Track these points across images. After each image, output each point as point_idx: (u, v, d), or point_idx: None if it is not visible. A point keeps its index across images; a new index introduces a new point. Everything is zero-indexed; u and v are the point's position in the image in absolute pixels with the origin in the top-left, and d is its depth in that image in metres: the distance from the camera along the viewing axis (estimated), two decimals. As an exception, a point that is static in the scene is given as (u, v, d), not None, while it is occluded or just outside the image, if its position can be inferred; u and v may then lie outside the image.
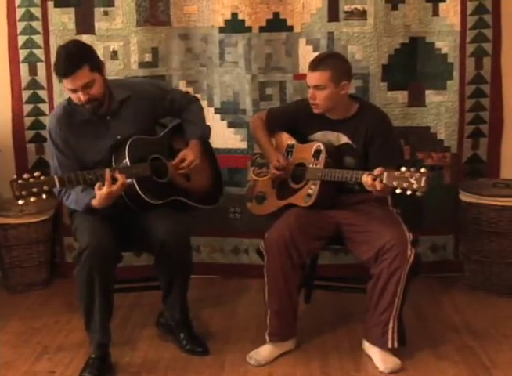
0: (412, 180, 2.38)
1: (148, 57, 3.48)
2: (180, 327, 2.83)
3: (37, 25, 3.47)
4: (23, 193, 2.39)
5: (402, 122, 3.44)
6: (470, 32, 3.38)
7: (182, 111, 2.94)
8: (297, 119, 2.91)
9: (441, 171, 3.50)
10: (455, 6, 3.35)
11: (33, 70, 3.52)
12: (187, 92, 3.17)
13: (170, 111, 2.94)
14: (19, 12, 3.47)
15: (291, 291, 2.72)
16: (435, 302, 3.28)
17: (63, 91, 3.50)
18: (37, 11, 3.46)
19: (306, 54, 3.41)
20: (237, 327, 3.04)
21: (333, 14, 3.39)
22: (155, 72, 3.48)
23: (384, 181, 2.45)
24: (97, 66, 2.62)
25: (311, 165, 2.80)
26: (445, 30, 3.38)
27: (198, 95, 3.40)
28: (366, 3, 3.35)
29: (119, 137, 2.72)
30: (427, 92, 3.45)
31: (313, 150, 2.80)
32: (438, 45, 3.41)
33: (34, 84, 3.54)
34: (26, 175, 2.41)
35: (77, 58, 2.54)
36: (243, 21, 3.42)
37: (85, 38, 3.44)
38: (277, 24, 3.42)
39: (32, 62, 3.51)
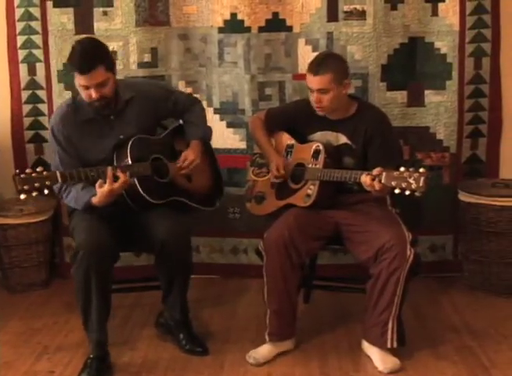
0: (411, 180, 2.38)
1: (147, 57, 3.48)
2: (179, 327, 2.83)
3: (36, 25, 3.47)
4: (26, 187, 2.37)
5: (401, 122, 3.44)
6: (469, 32, 3.38)
7: (185, 112, 2.95)
8: (296, 119, 2.91)
9: (440, 171, 3.50)
10: (454, 6, 3.36)
11: (32, 71, 3.52)
12: (190, 94, 3.19)
13: (172, 112, 2.95)
14: (19, 12, 3.47)
15: (290, 291, 2.72)
16: (434, 302, 3.28)
17: (62, 91, 3.52)
18: (36, 11, 3.46)
19: (305, 54, 3.41)
20: (237, 327, 3.04)
21: (332, 14, 3.39)
22: (154, 72, 3.49)
23: (383, 181, 2.45)
24: (111, 65, 2.64)
25: (310, 165, 2.80)
26: (445, 30, 3.38)
27: (197, 96, 3.42)
28: (365, 3, 3.35)
29: (122, 137, 2.72)
30: (427, 92, 3.45)
31: (312, 150, 2.80)
32: (437, 45, 3.41)
33: (33, 85, 3.54)
34: (28, 170, 2.40)
35: (95, 56, 2.57)
36: (242, 21, 3.42)
37: (84, 38, 3.45)
38: (276, 24, 3.42)
39: (31, 62, 3.51)
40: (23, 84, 3.54)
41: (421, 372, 2.63)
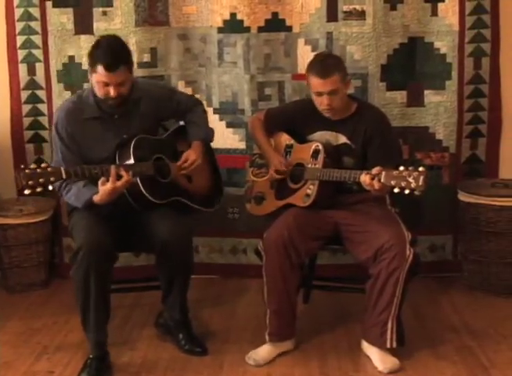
0: (410, 179, 2.38)
1: (147, 57, 3.48)
2: (179, 328, 2.83)
3: (35, 25, 3.47)
4: (30, 182, 2.36)
5: (400, 122, 3.44)
6: (468, 32, 3.38)
7: (187, 113, 2.96)
8: (295, 119, 2.91)
9: (439, 171, 3.50)
10: (453, 6, 3.36)
11: (31, 71, 3.52)
12: (192, 95, 3.19)
13: (175, 113, 2.96)
14: (18, 12, 3.47)
15: (290, 291, 2.72)
16: (434, 302, 3.28)
17: (62, 91, 3.52)
18: (35, 11, 3.46)
19: (305, 54, 3.41)
20: (236, 327, 3.04)
21: (331, 14, 3.39)
22: (154, 72, 3.48)
23: (382, 180, 2.45)
24: (132, 66, 2.68)
25: (309, 165, 2.80)
26: (444, 30, 3.38)
27: (197, 96, 3.42)
28: (365, 3, 3.35)
29: (125, 136, 2.72)
30: (426, 92, 3.45)
31: (312, 150, 2.80)
32: (437, 45, 3.41)
33: (32, 85, 3.54)
34: (33, 165, 2.39)
35: (122, 56, 2.61)
36: (241, 21, 3.42)
37: (84, 39, 3.46)
38: (276, 24, 3.42)
39: (31, 62, 3.51)
40: (22, 85, 3.54)
41: (421, 372, 2.63)
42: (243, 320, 3.11)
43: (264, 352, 2.73)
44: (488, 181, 3.42)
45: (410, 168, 2.41)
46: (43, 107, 3.56)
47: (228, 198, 3.40)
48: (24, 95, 3.55)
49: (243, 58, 3.45)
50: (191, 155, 2.84)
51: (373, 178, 2.49)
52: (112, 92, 2.60)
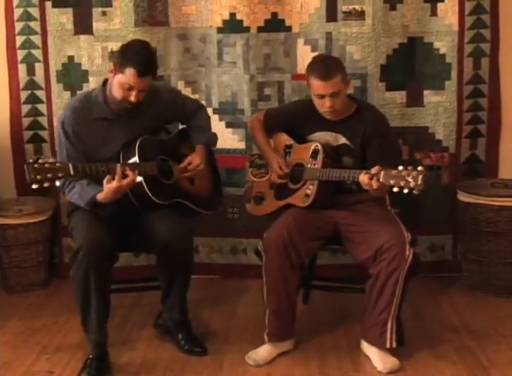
0: (409, 178, 2.38)
1: (146, 57, 3.48)
2: (178, 328, 2.83)
3: (35, 25, 3.47)
4: (38, 177, 2.35)
5: (400, 122, 3.44)
6: (468, 32, 3.38)
7: (191, 117, 2.97)
8: (294, 120, 2.91)
9: (439, 171, 3.50)
10: (453, 6, 3.36)
11: (31, 71, 3.52)
12: (196, 99, 3.19)
13: (180, 116, 2.98)
14: (17, 12, 3.46)
15: (290, 291, 2.72)
16: (433, 302, 3.28)
17: (61, 91, 3.52)
18: (35, 11, 3.45)
19: (304, 54, 3.41)
20: (236, 327, 3.04)
21: (331, 14, 3.39)
22: (153, 72, 3.49)
23: (381, 179, 2.45)
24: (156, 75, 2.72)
25: (309, 165, 2.80)
26: (444, 30, 3.38)
27: (196, 96, 3.43)
28: (365, 3, 3.36)
29: (131, 136, 2.73)
30: (426, 92, 3.45)
31: (311, 150, 2.80)
32: (437, 45, 3.41)
33: (32, 85, 3.53)
34: (41, 160, 2.39)
35: (153, 63, 2.67)
36: (241, 21, 3.42)
37: (83, 39, 3.46)
38: (275, 24, 3.42)
39: (30, 62, 3.51)
40: (22, 85, 3.54)
41: (420, 372, 2.63)
42: (243, 320, 3.11)
43: (263, 352, 2.73)
44: (488, 181, 3.42)
45: (409, 168, 2.41)
46: (42, 107, 3.56)
47: (228, 198, 3.40)
48: (24, 95, 3.55)
49: (242, 58, 3.45)
50: (195, 159, 2.84)
51: (371, 178, 2.49)
52: (133, 96, 2.61)
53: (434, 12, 3.38)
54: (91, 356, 2.64)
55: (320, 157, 2.76)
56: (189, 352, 2.79)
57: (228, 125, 3.55)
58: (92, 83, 3.48)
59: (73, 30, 3.47)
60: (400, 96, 3.45)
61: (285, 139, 2.95)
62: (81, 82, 3.50)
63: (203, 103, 3.40)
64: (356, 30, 3.39)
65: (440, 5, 3.37)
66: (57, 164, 2.41)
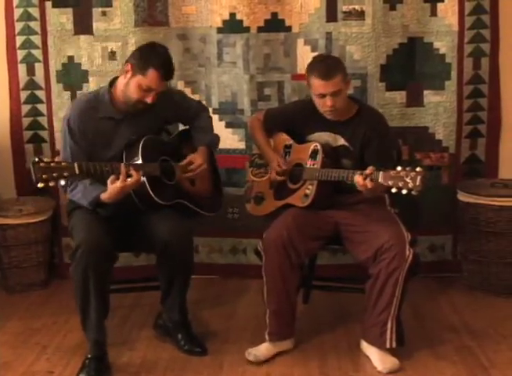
0: (408, 179, 2.39)
1: (146, 57, 3.48)
2: (178, 328, 2.83)
3: (35, 25, 3.47)
4: (44, 176, 2.35)
5: (400, 122, 3.44)
6: (468, 32, 3.38)
7: (194, 118, 2.98)
8: (294, 120, 2.91)
9: (439, 172, 3.50)
10: (453, 6, 3.36)
11: (31, 71, 3.52)
12: (200, 101, 3.20)
13: (184, 117, 2.99)
14: (17, 12, 3.47)
15: (289, 291, 2.72)
16: (433, 302, 3.28)
17: (61, 91, 3.52)
18: (35, 11, 3.46)
19: (304, 54, 3.41)
20: (236, 327, 3.04)
21: (331, 14, 3.39)
22: (153, 72, 3.48)
23: (380, 180, 2.46)
24: None
25: (308, 165, 2.80)
26: (443, 30, 3.38)
27: (196, 96, 3.43)
28: (364, 3, 3.35)
29: (134, 136, 2.73)
30: (426, 92, 3.45)
31: (310, 151, 2.80)
32: (436, 45, 3.41)
33: (31, 85, 3.53)
34: (47, 159, 2.40)
35: (173, 67, 2.70)
36: (241, 21, 3.42)
37: (83, 39, 3.46)
38: (275, 24, 3.42)
39: (30, 62, 3.51)
40: (22, 85, 3.54)
41: (420, 372, 2.63)
42: (243, 320, 3.11)
43: (264, 348, 2.73)
44: (488, 181, 3.42)
45: (408, 168, 2.42)
46: (42, 107, 3.56)
47: (228, 198, 3.40)
48: (23, 95, 3.55)
49: (242, 58, 3.45)
50: (197, 159, 2.85)
51: (365, 179, 2.50)
52: (150, 99, 2.63)
53: (434, 12, 3.38)
54: (89, 356, 2.64)
55: (319, 157, 2.76)
56: (189, 352, 2.79)
57: (228, 125, 3.55)
58: (92, 83, 3.48)
59: (73, 30, 3.47)
60: (400, 96, 3.45)
61: (285, 138, 2.95)
62: (80, 82, 3.50)
63: (203, 103, 3.40)
64: (356, 30, 3.38)
65: (440, 5, 3.37)
66: (63, 164, 2.42)
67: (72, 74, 3.51)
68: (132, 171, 2.55)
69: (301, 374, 2.64)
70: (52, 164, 2.38)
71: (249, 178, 3.08)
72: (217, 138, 3.03)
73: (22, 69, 3.52)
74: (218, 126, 3.49)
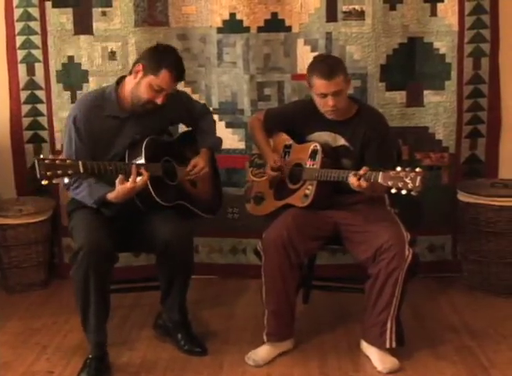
0: (408, 180, 2.39)
1: (146, 57, 3.48)
2: (178, 328, 2.83)
3: (35, 25, 3.47)
4: (49, 173, 2.35)
5: (400, 122, 3.44)
6: (468, 32, 3.38)
7: (198, 120, 2.99)
8: (294, 120, 2.91)
9: (439, 172, 3.50)
10: (453, 6, 3.36)
11: (31, 71, 3.52)
12: (204, 104, 3.20)
13: (188, 119, 3.00)
14: (17, 12, 3.47)
15: (289, 291, 2.72)
16: (433, 302, 3.28)
17: (61, 91, 3.52)
18: (35, 11, 3.46)
19: (304, 54, 3.42)
20: (236, 328, 3.04)
21: (331, 14, 3.39)
22: (153, 72, 3.48)
23: (380, 180, 2.46)
24: None
25: (308, 165, 2.80)
26: (443, 30, 3.38)
27: (196, 96, 3.42)
28: (364, 3, 3.35)
29: (137, 136, 2.73)
30: (426, 92, 3.45)
31: (310, 151, 2.80)
32: (436, 45, 3.41)
33: (31, 85, 3.53)
34: (52, 156, 2.40)
35: (184, 71, 2.72)
36: (241, 21, 3.42)
37: (83, 39, 3.46)
38: (275, 24, 3.42)
39: (30, 62, 3.51)
40: (22, 85, 3.54)
41: (420, 372, 2.63)
42: (243, 320, 3.11)
43: (263, 352, 2.73)
44: (488, 181, 3.42)
45: (407, 169, 2.42)
46: (42, 107, 3.56)
47: (228, 198, 3.40)
48: (23, 95, 3.55)
49: (242, 58, 3.45)
50: (199, 162, 2.85)
51: (359, 179, 2.50)
52: (160, 99, 2.64)
53: (433, 13, 3.38)
54: (90, 356, 2.64)
55: (319, 157, 2.76)
56: (189, 352, 2.79)
57: (228, 125, 3.55)
58: (92, 83, 3.48)
59: (73, 30, 3.47)
60: (400, 96, 3.45)
61: (284, 138, 2.95)
62: (80, 82, 3.50)
63: (203, 102, 3.40)
64: (356, 30, 3.38)
65: (440, 5, 3.37)
66: (67, 161, 2.41)
67: (72, 74, 3.51)
68: (142, 171, 2.55)
69: (301, 374, 2.64)
70: (56, 162, 2.38)
71: (249, 178, 3.08)
72: (219, 140, 3.04)
73: (22, 69, 3.52)
74: (218, 126, 3.47)
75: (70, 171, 2.40)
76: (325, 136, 2.82)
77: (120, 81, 2.76)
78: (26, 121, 3.57)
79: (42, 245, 3.52)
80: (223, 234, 3.63)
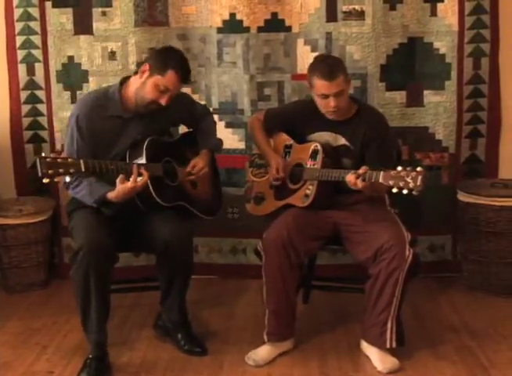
0: (409, 179, 2.39)
1: (146, 58, 3.49)
2: (178, 328, 2.83)
3: (35, 25, 3.47)
4: (50, 171, 2.35)
5: (400, 122, 3.44)
6: (468, 32, 3.38)
7: (199, 122, 2.99)
8: (294, 120, 2.91)
9: (439, 172, 3.50)
10: (453, 6, 3.36)
11: (31, 71, 3.52)
12: (205, 105, 3.21)
13: (190, 120, 3.00)
14: (17, 12, 3.47)
15: (289, 291, 2.72)
16: (433, 302, 3.28)
17: (61, 91, 3.52)
18: (35, 11, 3.45)
19: (304, 54, 3.42)
20: (236, 328, 3.04)
21: (331, 14, 3.39)
22: (153, 72, 3.48)
23: (381, 180, 2.46)
24: None
25: (308, 165, 2.80)
26: (443, 30, 3.38)
27: (196, 96, 3.42)
28: (364, 3, 3.35)
29: (139, 136, 2.73)
30: (426, 92, 3.45)
31: (310, 151, 2.80)
32: (436, 45, 3.41)
33: (31, 85, 3.53)
34: (53, 155, 2.41)
35: (190, 73, 2.73)
36: (241, 21, 3.42)
37: (83, 39, 3.46)
38: (275, 24, 3.42)
39: (30, 62, 3.51)
40: (22, 85, 3.54)
41: (420, 372, 2.63)
42: (243, 320, 3.11)
43: (263, 352, 2.73)
44: (488, 181, 3.42)
45: (408, 168, 2.42)
46: (42, 107, 3.56)
47: (228, 198, 3.40)
48: (23, 95, 3.55)
49: (242, 58, 3.45)
50: (199, 163, 2.85)
51: (357, 178, 2.50)
52: (165, 100, 2.64)
53: (433, 12, 3.38)
54: (90, 356, 2.64)
55: (320, 157, 2.76)
56: (188, 352, 2.79)
57: (228, 125, 3.55)
58: (92, 83, 3.48)
59: (73, 30, 3.47)
60: (400, 96, 3.45)
61: (285, 138, 2.95)
62: (80, 82, 3.50)
63: (203, 102, 3.40)
64: (356, 30, 3.39)
65: (440, 5, 3.37)
66: (69, 160, 2.41)
67: (72, 74, 3.51)
68: (142, 170, 2.55)
69: (301, 374, 2.64)
70: (58, 160, 2.38)
71: (249, 179, 3.08)
72: (220, 142, 3.04)
73: (22, 69, 3.52)
74: (218, 126, 3.46)
75: (71, 170, 2.40)
76: (325, 136, 2.82)
77: (124, 81, 2.76)
78: (26, 121, 3.57)
79: (42, 245, 3.52)
80: (223, 234, 3.63)
